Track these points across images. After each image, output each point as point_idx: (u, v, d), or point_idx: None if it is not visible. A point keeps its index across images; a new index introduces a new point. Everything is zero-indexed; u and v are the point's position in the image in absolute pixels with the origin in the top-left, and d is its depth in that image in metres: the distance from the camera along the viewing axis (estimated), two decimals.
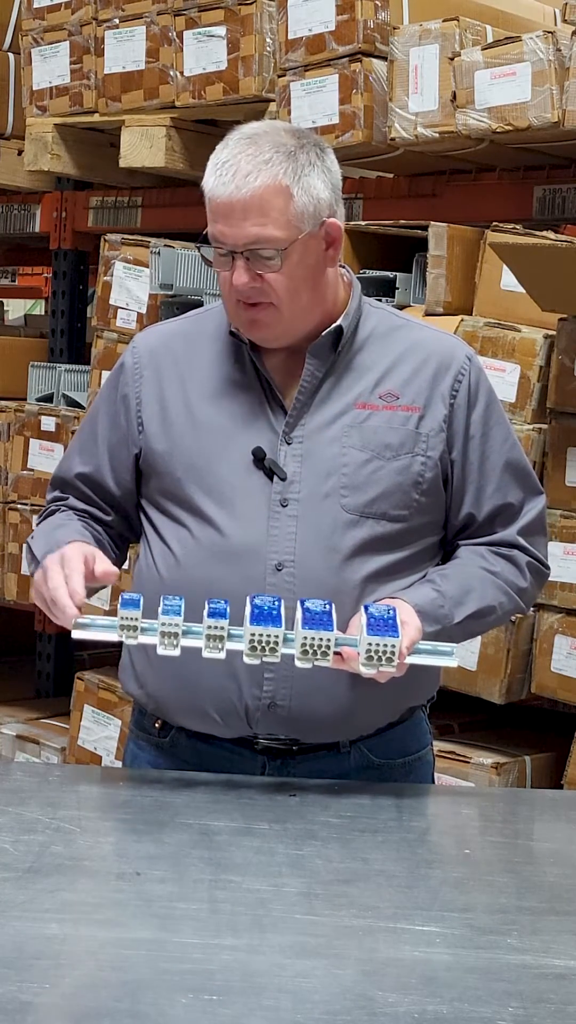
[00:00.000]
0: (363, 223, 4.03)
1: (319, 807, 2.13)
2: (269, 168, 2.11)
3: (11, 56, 5.08)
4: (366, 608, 2.08)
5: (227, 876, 1.85)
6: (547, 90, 3.54)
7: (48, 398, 4.84)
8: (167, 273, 4.27)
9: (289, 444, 2.22)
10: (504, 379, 3.54)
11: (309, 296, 2.19)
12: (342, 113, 3.94)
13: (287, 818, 2.08)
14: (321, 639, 2.04)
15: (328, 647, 2.05)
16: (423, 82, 3.79)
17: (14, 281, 8.26)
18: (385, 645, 2.04)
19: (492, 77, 3.64)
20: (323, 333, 2.23)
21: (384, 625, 2.05)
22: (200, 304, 4.05)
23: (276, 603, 2.06)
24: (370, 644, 2.04)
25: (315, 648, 2.04)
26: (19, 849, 1.90)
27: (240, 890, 1.80)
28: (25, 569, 4.56)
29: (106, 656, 5.11)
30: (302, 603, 2.07)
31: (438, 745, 2.72)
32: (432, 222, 3.81)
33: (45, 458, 4.68)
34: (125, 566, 2.61)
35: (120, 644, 2.12)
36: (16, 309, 9.64)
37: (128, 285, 4.44)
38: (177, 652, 2.07)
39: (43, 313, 8.77)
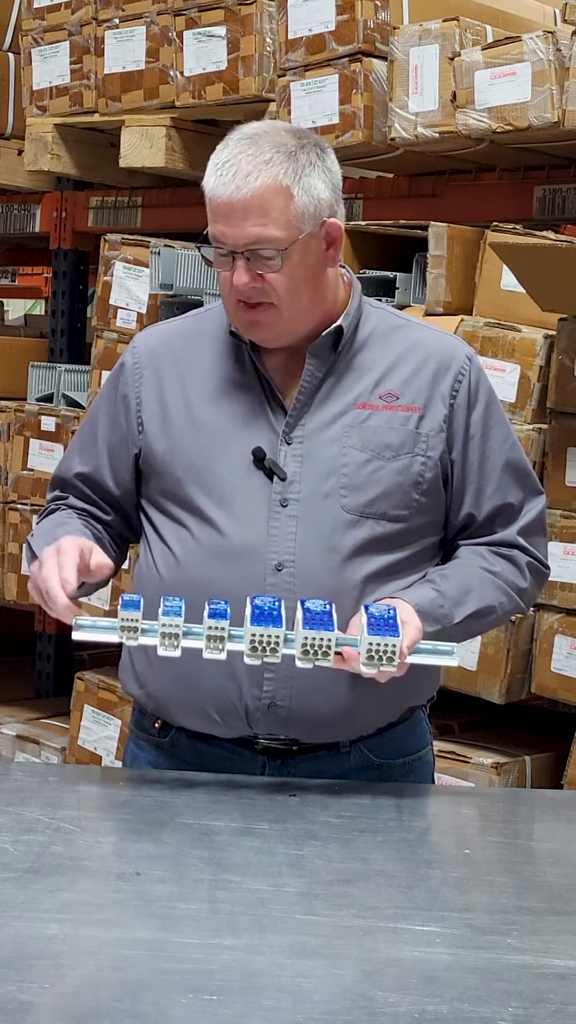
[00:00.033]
0: (363, 223, 4.03)
1: (319, 807, 2.13)
2: (270, 168, 2.11)
3: (11, 56, 5.08)
4: (366, 608, 2.08)
5: (227, 876, 1.85)
6: (547, 90, 3.54)
7: (48, 398, 4.84)
8: (167, 273, 4.27)
9: (289, 444, 2.22)
10: (504, 379, 3.54)
11: (309, 296, 2.19)
12: (342, 113, 3.94)
13: (287, 818, 2.09)
14: (322, 639, 2.04)
15: (329, 647, 2.05)
16: (423, 82, 3.80)
17: (14, 281, 8.26)
18: (386, 645, 2.04)
19: (492, 77, 3.64)
20: (323, 333, 2.23)
21: (385, 625, 2.05)
22: (200, 304, 4.05)
23: (277, 603, 2.06)
24: (371, 644, 2.04)
25: (316, 648, 2.04)
26: (19, 849, 1.90)
27: (240, 890, 1.80)
28: (25, 568, 4.56)
29: (106, 656, 5.11)
30: (302, 603, 2.07)
31: (438, 745, 2.72)
32: (432, 222, 3.81)
33: (45, 458, 4.68)
34: (125, 566, 2.61)
35: (120, 644, 2.12)
36: (16, 309, 9.65)
37: (128, 285, 4.44)
38: (178, 653, 2.07)
39: (43, 313, 8.77)
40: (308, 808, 2.13)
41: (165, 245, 4.31)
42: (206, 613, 2.06)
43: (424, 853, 2.04)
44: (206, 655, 2.06)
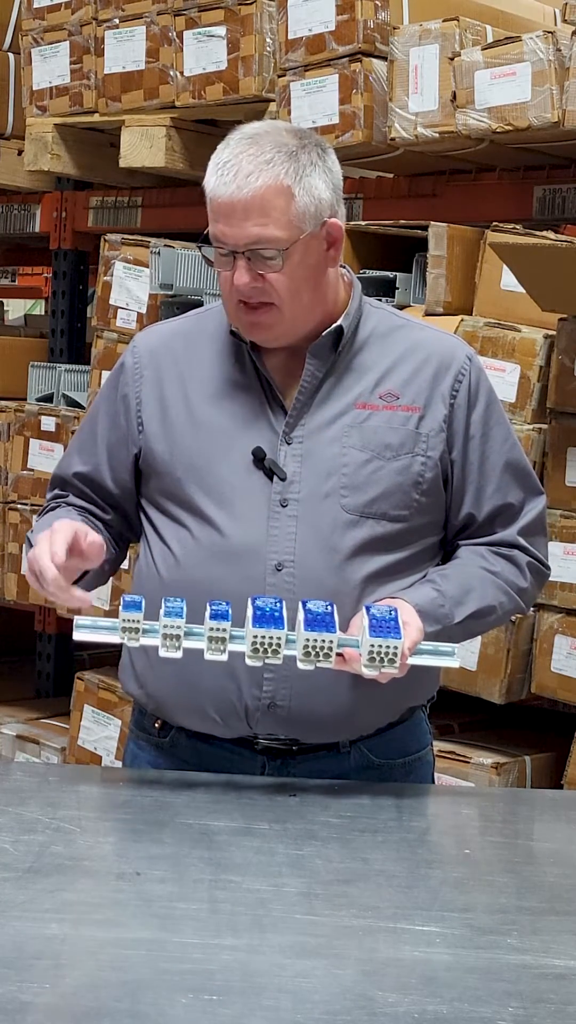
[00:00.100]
0: (363, 223, 4.03)
1: (319, 807, 2.13)
2: (270, 168, 2.11)
3: (11, 56, 5.08)
4: (368, 609, 2.08)
5: (227, 876, 1.85)
6: (547, 90, 3.54)
7: (48, 398, 4.84)
8: (167, 273, 4.27)
9: (289, 444, 2.22)
10: (504, 379, 3.54)
11: (310, 296, 2.19)
12: (342, 113, 3.94)
13: (287, 818, 2.08)
14: (323, 641, 2.04)
15: (330, 648, 2.05)
16: (423, 82, 3.79)
17: (14, 281, 8.26)
18: (387, 646, 2.04)
19: (492, 77, 3.64)
20: (323, 333, 2.23)
21: (386, 626, 2.05)
22: (200, 304, 4.05)
23: (278, 604, 2.06)
24: (372, 645, 2.04)
25: (317, 650, 2.04)
26: (19, 849, 1.90)
27: (240, 890, 1.80)
28: (26, 568, 4.56)
29: (106, 656, 5.11)
30: (304, 604, 2.07)
31: (438, 745, 2.72)
32: (432, 222, 3.81)
33: (45, 458, 4.68)
34: (125, 566, 2.61)
35: (120, 644, 2.12)
36: (16, 309, 9.64)
37: (128, 285, 4.44)
38: (179, 654, 2.07)
39: (43, 313, 8.77)
40: (308, 808, 2.13)
41: (165, 245, 4.31)
42: (207, 614, 2.05)
43: (424, 853, 2.04)
44: (208, 656, 2.06)
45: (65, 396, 4.79)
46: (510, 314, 3.69)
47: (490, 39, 3.77)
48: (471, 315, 3.74)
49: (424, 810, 2.26)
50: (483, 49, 3.68)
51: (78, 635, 2.09)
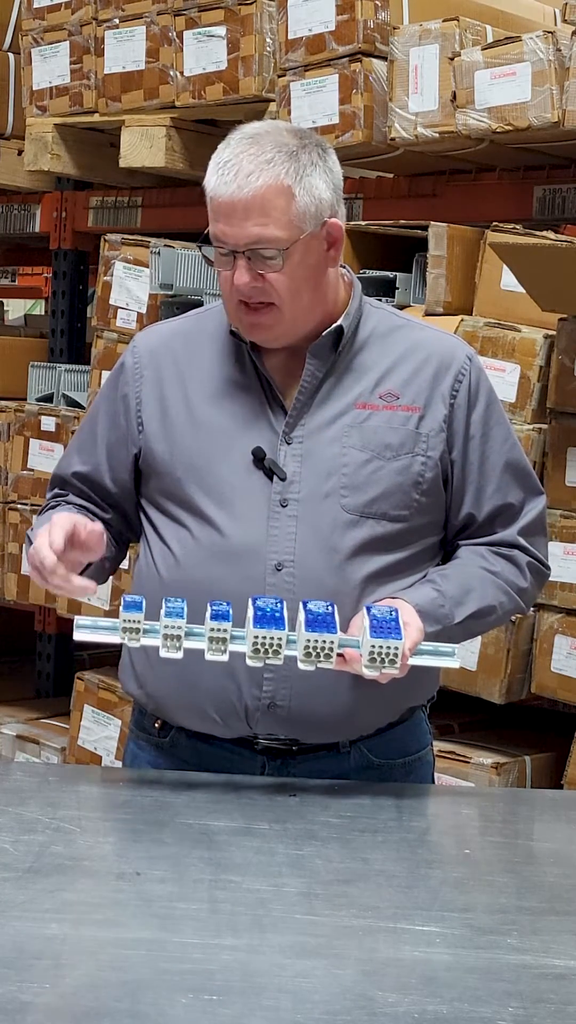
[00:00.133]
0: (363, 223, 4.03)
1: (319, 807, 2.13)
2: (271, 168, 2.11)
3: (11, 56, 5.08)
4: (368, 609, 2.08)
5: (227, 876, 1.85)
6: (547, 90, 3.54)
7: (48, 398, 4.84)
8: (167, 273, 4.27)
9: (289, 444, 2.22)
10: (504, 379, 3.54)
11: (310, 296, 2.19)
12: (342, 113, 3.94)
13: (287, 818, 2.08)
14: (324, 641, 2.04)
15: (331, 649, 2.05)
16: (423, 82, 3.79)
17: (14, 281, 8.26)
18: (388, 647, 2.04)
19: (492, 77, 3.64)
20: (324, 333, 2.23)
21: (387, 627, 2.05)
22: (200, 304, 4.05)
23: (278, 605, 2.06)
24: (373, 646, 2.04)
25: (318, 650, 2.04)
26: (19, 849, 1.90)
27: (240, 890, 1.80)
28: (25, 568, 4.56)
29: (106, 656, 5.11)
30: (304, 605, 2.07)
31: (438, 745, 2.72)
32: (432, 222, 3.81)
33: (45, 458, 4.68)
34: (125, 565, 2.61)
35: (120, 644, 2.12)
36: (16, 309, 9.64)
37: (128, 285, 4.44)
38: (180, 655, 2.07)
39: (43, 313, 8.77)
40: (308, 808, 2.13)
41: (165, 245, 4.31)
42: (208, 615, 2.05)
43: (424, 853, 2.04)
44: (208, 657, 2.06)
45: (65, 396, 4.79)
46: (510, 314, 3.69)
47: (490, 39, 3.77)
48: (471, 315, 3.74)
49: (424, 810, 2.26)
50: (483, 49, 3.68)
51: (78, 635, 2.09)
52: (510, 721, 3.91)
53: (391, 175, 4.32)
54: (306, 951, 1.63)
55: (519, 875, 1.99)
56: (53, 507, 2.37)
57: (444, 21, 3.79)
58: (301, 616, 2.05)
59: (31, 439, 4.74)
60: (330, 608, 2.06)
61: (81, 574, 2.19)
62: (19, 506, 4.78)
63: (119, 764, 3.14)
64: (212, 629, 2.05)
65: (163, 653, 2.06)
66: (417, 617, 2.13)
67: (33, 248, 6.42)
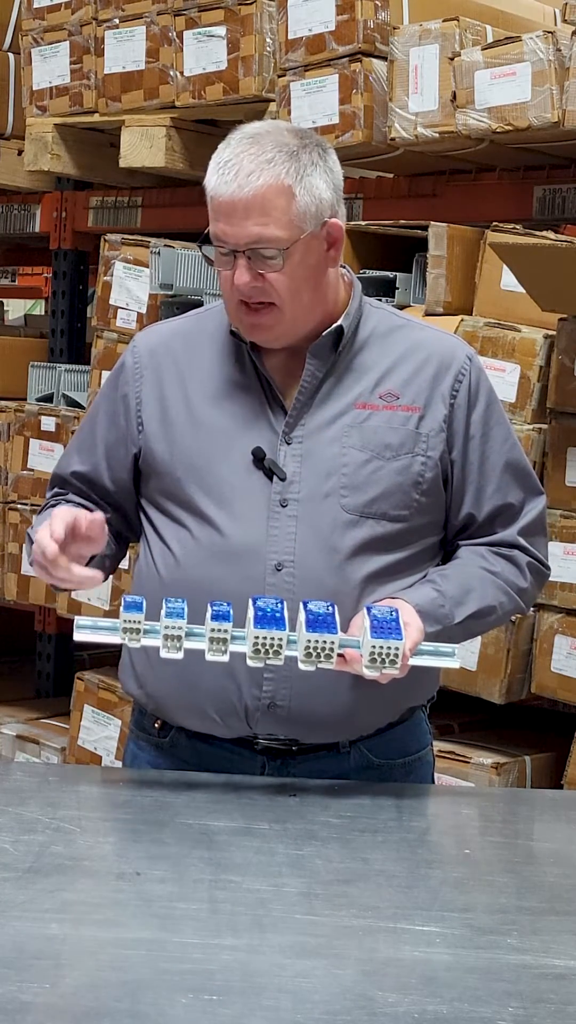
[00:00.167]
0: (363, 223, 4.03)
1: (319, 807, 2.13)
2: (271, 168, 2.11)
3: (11, 56, 5.08)
4: (368, 610, 2.07)
5: (227, 876, 1.85)
6: (547, 90, 3.54)
7: (48, 398, 4.84)
8: (167, 273, 4.27)
9: (289, 444, 2.22)
10: (504, 379, 3.54)
11: (310, 296, 2.19)
12: (342, 113, 3.94)
13: (287, 818, 2.08)
14: (324, 642, 2.04)
15: (332, 649, 2.05)
16: (423, 82, 3.79)
17: (14, 281, 8.26)
18: (388, 647, 2.04)
19: (492, 77, 3.64)
20: (324, 333, 2.23)
21: (387, 627, 2.05)
22: (200, 304, 4.05)
23: (279, 605, 2.06)
24: (373, 646, 2.04)
25: (319, 651, 2.04)
26: (19, 849, 1.90)
27: (240, 890, 1.80)
28: (25, 567, 4.57)
29: (106, 656, 5.12)
30: (305, 605, 2.07)
31: (438, 745, 2.72)
32: (432, 222, 3.81)
33: (45, 458, 4.68)
34: (124, 565, 2.61)
35: (120, 644, 2.12)
36: (16, 309, 9.64)
37: (128, 285, 4.44)
38: (180, 655, 2.07)
39: (43, 313, 8.77)
40: (308, 808, 2.13)
41: (165, 245, 4.31)
42: (208, 615, 2.05)
43: (424, 853, 2.04)
44: (209, 657, 2.06)
45: (65, 396, 4.79)
46: (510, 314, 3.69)
47: (490, 39, 3.77)
48: (471, 315, 3.74)
49: (424, 810, 2.26)
50: (483, 49, 3.68)
51: (78, 635, 2.09)
52: (510, 721, 3.91)
53: (391, 175, 4.32)
54: (306, 951, 1.63)
55: (519, 875, 1.99)
56: (52, 506, 2.38)
57: (444, 21, 3.79)
58: (301, 616, 2.05)
59: (31, 439, 4.74)
60: (330, 608, 2.06)
61: (91, 559, 2.18)
62: (19, 506, 4.78)
63: (119, 764, 3.14)
64: (212, 629, 2.05)
65: (163, 654, 2.06)
66: (417, 617, 2.13)
67: (33, 248, 6.41)
